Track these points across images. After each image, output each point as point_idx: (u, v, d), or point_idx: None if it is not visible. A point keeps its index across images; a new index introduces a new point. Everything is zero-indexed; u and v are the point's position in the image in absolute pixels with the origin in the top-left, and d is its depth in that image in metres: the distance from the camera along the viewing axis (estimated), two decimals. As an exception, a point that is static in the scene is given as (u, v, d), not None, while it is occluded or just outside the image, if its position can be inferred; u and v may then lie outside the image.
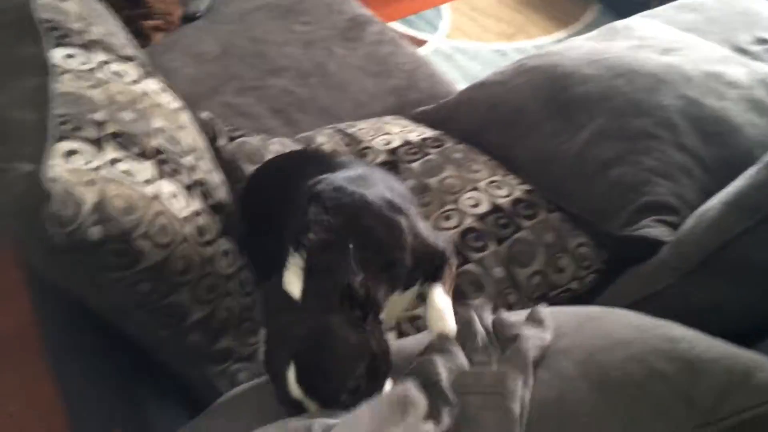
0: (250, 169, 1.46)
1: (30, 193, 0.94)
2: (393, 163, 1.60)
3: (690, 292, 1.20)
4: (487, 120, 1.72)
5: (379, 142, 1.66)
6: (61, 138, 1.04)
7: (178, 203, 1.15)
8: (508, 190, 1.54)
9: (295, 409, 0.93)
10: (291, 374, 0.91)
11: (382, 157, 1.61)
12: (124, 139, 1.13)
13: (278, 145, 1.55)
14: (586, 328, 0.98)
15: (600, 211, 1.44)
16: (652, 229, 1.34)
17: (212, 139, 1.48)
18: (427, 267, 1.13)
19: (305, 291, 0.97)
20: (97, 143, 1.09)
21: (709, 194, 1.34)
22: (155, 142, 1.19)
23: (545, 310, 1.03)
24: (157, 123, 1.24)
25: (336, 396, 0.91)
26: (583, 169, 1.50)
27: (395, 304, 1.11)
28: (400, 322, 1.35)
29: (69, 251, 0.98)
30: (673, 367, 0.87)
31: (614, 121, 1.52)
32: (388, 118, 1.86)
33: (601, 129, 1.52)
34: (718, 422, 0.83)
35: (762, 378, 0.86)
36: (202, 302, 1.17)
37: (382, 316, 1.03)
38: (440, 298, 1.09)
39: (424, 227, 1.17)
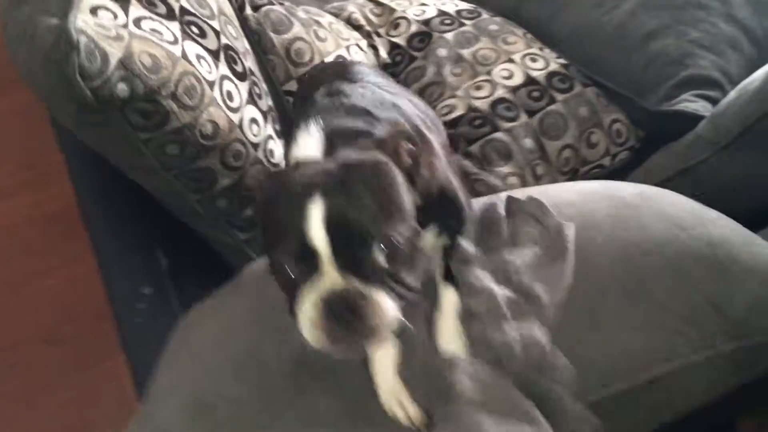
0: (275, 38, 1.43)
1: (58, 45, 0.92)
2: (426, 33, 1.55)
3: (723, 167, 1.17)
4: (527, -10, 1.65)
5: (412, 13, 1.61)
6: None
7: (204, 65, 1.14)
8: (543, 62, 1.49)
9: (302, 274, 0.72)
10: (314, 212, 0.70)
11: (414, 28, 1.56)
12: (149, -3, 1.11)
13: (303, 13, 1.51)
14: (621, 219, 0.92)
15: (638, 85, 1.39)
16: (691, 103, 1.29)
17: (239, 8, 1.45)
18: (441, 215, 0.91)
19: (327, 151, 0.82)
20: (123, 0, 1.07)
21: (755, 69, 1.27)
22: (182, 3, 1.16)
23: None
24: (184, -17, 1.20)
25: (370, 241, 0.70)
26: (623, 41, 1.43)
27: None
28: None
29: (97, 108, 0.98)
30: (709, 276, 0.85)
31: (661, -10, 1.44)
32: (423, -10, 1.79)
33: (646, -2, 1.44)
34: (744, 337, 0.82)
35: None
36: (230, 168, 1.18)
37: None
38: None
39: (446, 166, 0.97)
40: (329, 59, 1.45)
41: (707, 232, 0.90)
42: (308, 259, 0.70)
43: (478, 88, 1.44)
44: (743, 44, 1.37)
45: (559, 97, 1.42)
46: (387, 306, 0.70)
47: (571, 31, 1.53)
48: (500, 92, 1.42)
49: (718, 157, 1.17)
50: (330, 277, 0.69)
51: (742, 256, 0.87)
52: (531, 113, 1.40)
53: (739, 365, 0.83)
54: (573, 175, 1.40)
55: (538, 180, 1.35)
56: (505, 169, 1.32)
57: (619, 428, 0.81)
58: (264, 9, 1.46)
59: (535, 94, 1.43)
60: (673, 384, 0.80)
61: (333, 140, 0.83)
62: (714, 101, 1.29)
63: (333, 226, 0.69)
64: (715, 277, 0.85)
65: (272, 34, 1.43)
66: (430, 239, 0.88)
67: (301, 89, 1.39)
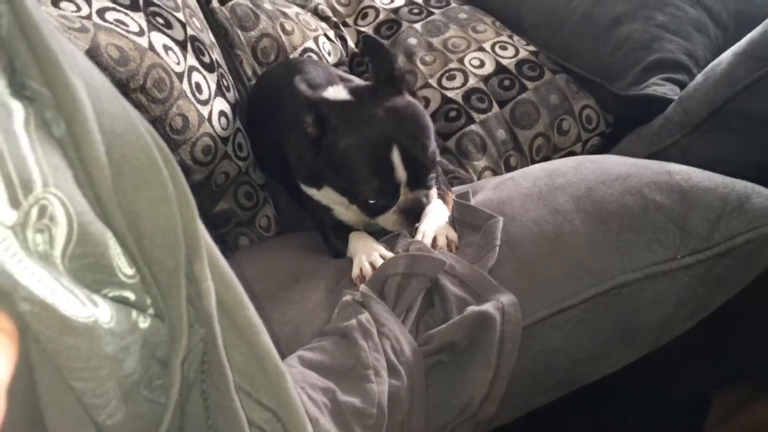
0: (242, 35, 1.40)
1: None
2: (395, 21, 1.54)
3: (693, 149, 1.18)
4: (494, -22, 1.64)
5: (380, 2, 1.59)
6: None
7: (172, 56, 1.11)
8: (513, 50, 1.48)
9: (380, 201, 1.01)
10: (396, 159, 0.97)
11: (383, 16, 1.55)
12: (112, -12, 1.08)
13: (269, 5, 1.48)
14: (584, 167, 0.97)
15: (607, 70, 1.39)
16: (660, 87, 1.30)
17: (206, 1, 1.42)
18: None
19: (356, 93, 1.04)
20: None
21: (721, 52, 1.28)
22: (145, -6, 1.14)
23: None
24: (147, -23, 1.17)
25: (429, 167, 1.00)
26: (591, 27, 1.43)
27: None
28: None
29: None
30: (668, 198, 0.88)
31: (627, -25, 1.44)
32: (391, -19, 1.77)
33: (613, -17, 1.44)
34: (711, 248, 0.85)
35: (756, 203, 0.87)
36: (200, 164, 1.16)
37: None
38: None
39: None
40: (296, 54, 1.43)
41: (665, 166, 0.95)
42: (393, 190, 1.00)
43: (451, 78, 1.43)
44: (709, 27, 1.38)
45: (530, 85, 1.42)
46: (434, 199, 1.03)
47: (538, 18, 1.53)
48: (472, 82, 1.42)
49: (687, 140, 1.18)
50: (405, 194, 1.01)
51: (699, 179, 0.91)
52: (502, 103, 1.40)
53: (702, 279, 0.85)
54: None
55: (512, 171, 1.34)
56: (480, 163, 1.32)
57: (598, 333, 0.85)
58: (230, 4, 1.43)
59: (506, 83, 1.42)
60: (640, 293, 0.84)
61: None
62: (681, 84, 1.30)
63: (407, 164, 0.97)
64: (675, 198, 0.88)
65: (239, 31, 1.40)
66: None
67: (253, 93, 1.38)
